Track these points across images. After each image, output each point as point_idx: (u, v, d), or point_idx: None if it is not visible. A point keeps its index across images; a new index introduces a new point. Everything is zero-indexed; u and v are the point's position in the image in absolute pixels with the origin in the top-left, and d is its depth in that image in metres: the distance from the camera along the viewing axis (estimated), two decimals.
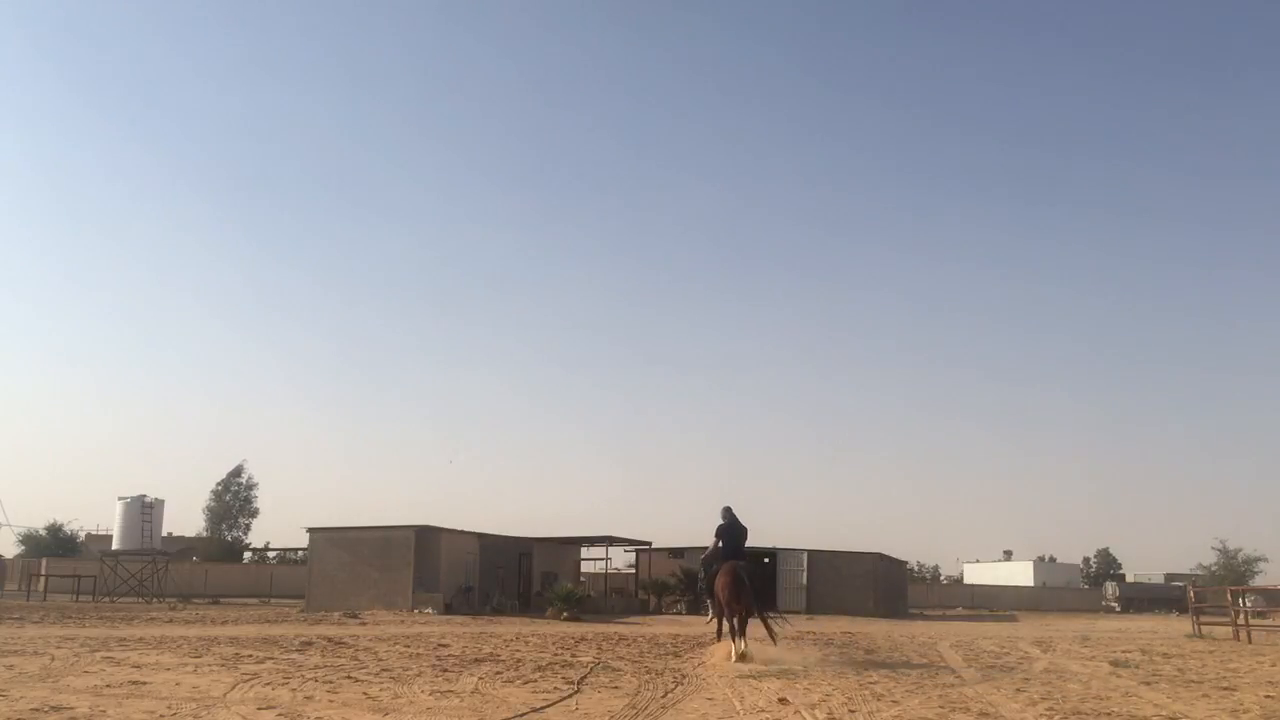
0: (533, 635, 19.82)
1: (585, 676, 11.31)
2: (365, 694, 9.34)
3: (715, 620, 15.55)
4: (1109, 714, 9.00)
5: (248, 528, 65.19)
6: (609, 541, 43.18)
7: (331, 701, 8.81)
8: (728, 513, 15.41)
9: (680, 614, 37.09)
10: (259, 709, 8.29)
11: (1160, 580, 77.61)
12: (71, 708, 8.12)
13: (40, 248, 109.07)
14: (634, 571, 47.69)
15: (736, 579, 13.87)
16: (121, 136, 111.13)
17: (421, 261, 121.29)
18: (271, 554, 64.49)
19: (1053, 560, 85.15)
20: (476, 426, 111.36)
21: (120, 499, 54.66)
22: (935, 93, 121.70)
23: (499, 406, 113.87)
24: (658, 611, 38.47)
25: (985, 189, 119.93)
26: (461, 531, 34.97)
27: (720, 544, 15.10)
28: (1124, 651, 18.07)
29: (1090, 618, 48.55)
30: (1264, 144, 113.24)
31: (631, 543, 44.22)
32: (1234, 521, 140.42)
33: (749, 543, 15.51)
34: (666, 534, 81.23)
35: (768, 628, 14.23)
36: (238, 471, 64.76)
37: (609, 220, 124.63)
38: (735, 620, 13.86)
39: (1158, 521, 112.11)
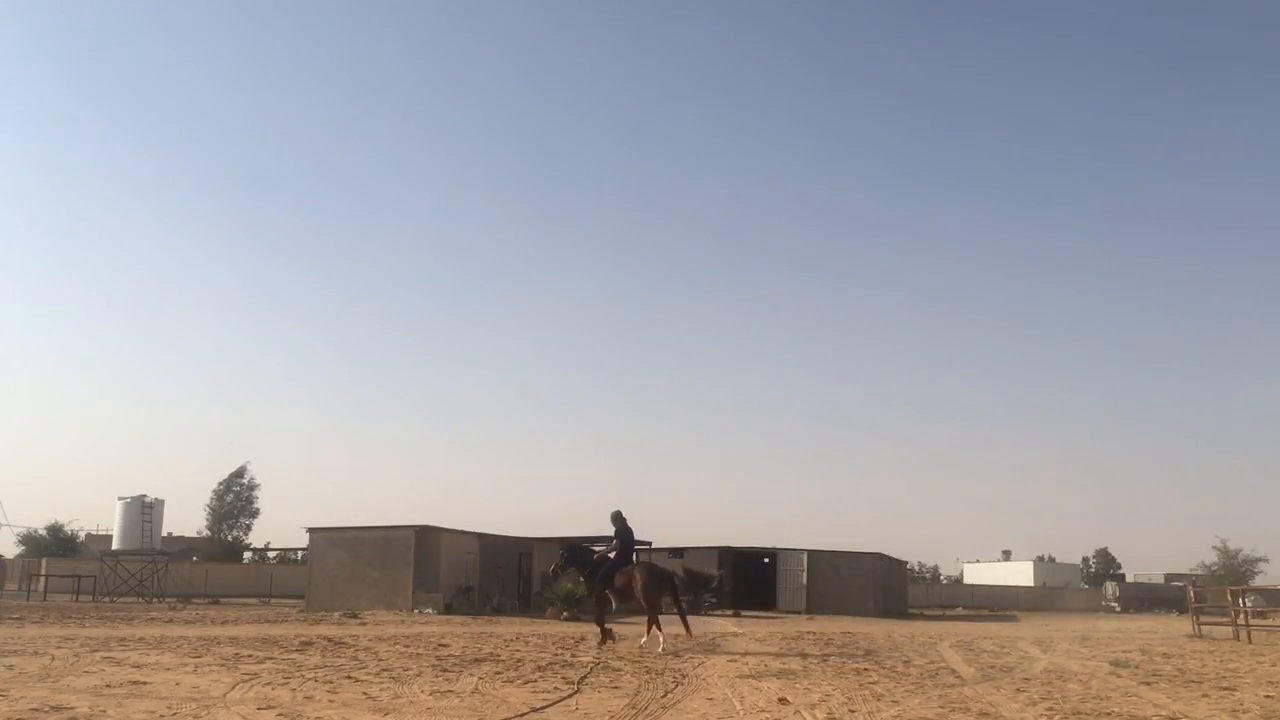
0: (533, 635, 19.81)
1: (585, 676, 11.31)
2: (365, 694, 9.34)
3: (601, 616, 16.81)
4: (1109, 714, 9.00)
5: (248, 528, 65.30)
6: (609, 542, 43.15)
7: (331, 701, 8.81)
8: (621, 518, 17.04)
9: None
10: (259, 709, 8.29)
11: (1160, 580, 77.61)
12: (71, 708, 8.11)
13: (40, 248, 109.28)
14: None
15: (658, 576, 16.14)
16: (121, 136, 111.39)
17: (421, 261, 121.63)
18: (271, 554, 64.55)
19: (1053, 560, 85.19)
20: (476, 426, 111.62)
21: (120, 499, 54.58)
22: (935, 93, 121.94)
23: (499, 406, 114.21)
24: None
25: (985, 189, 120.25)
26: (461, 531, 34.96)
27: (617, 545, 16.86)
28: (1124, 651, 18.06)
29: (1090, 618, 48.54)
30: (1264, 144, 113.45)
31: None
32: (1234, 521, 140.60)
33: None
34: (666, 534, 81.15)
35: (685, 622, 16.88)
36: (240, 472, 64.84)
37: (609, 220, 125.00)
38: (654, 612, 15.74)
39: (1158, 521, 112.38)
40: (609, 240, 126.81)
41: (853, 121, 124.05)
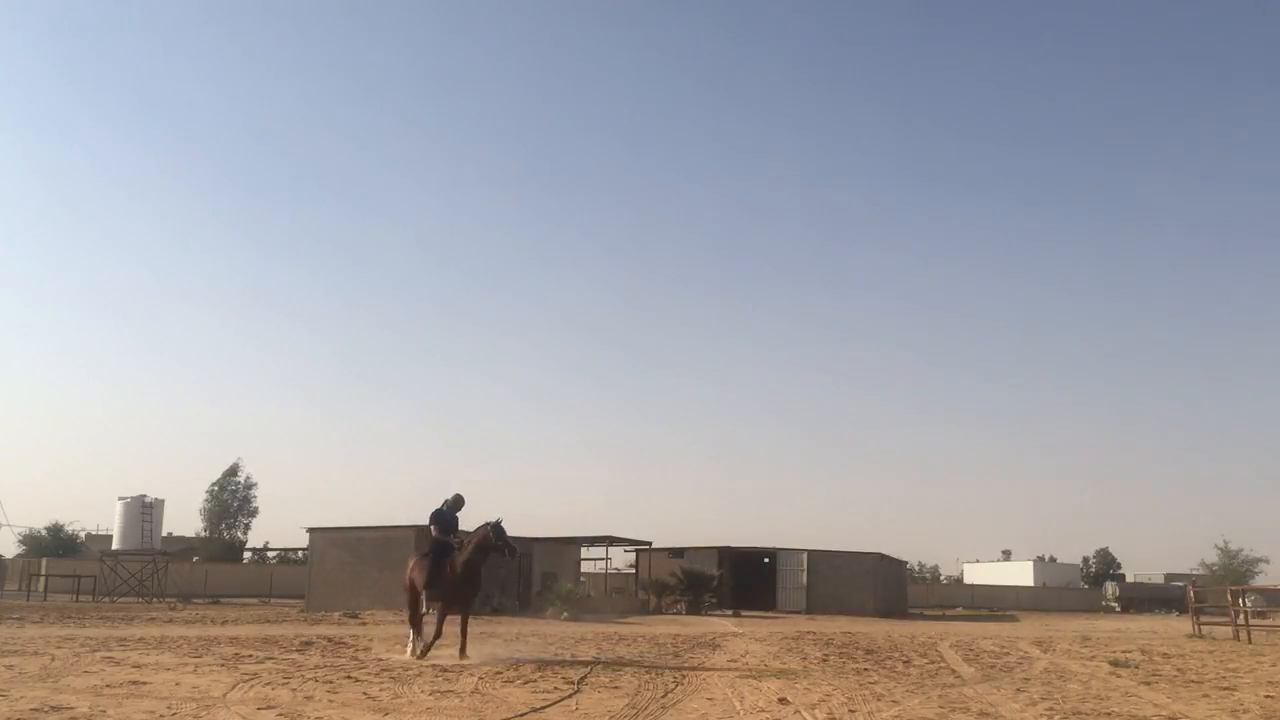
0: (533, 635, 19.82)
1: (585, 676, 11.31)
2: (365, 694, 9.34)
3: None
4: (1109, 714, 9.00)
5: (247, 527, 65.18)
6: (609, 541, 43.19)
7: (331, 701, 8.81)
8: (457, 503, 15.23)
9: (680, 614, 37.10)
10: (259, 709, 8.29)
11: (1160, 580, 77.59)
12: (71, 708, 8.11)
13: (40, 248, 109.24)
14: (634, 571, 47.70)
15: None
16: (121, 136, 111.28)
17: (421, 261, 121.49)
18: (271, 554, 64.46)
19: (1053, 560, 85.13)
20: (476, 427, 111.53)
21: (120, 499, 54.61)
22: (935, 93, 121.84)
23: (499, 407, 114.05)
24: (658, 611, 38.47)
25: (985, 189, 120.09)
26: (462, 532, 34.92)
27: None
28: (1124, 651, 18.06)
29: (1090, 618, 48.53)
30: (1263, 144, 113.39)
31: (631, 543, 44.23)
32: (1234, 521, 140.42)
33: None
34: (666, 534, 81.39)
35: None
36: (234, 470, 64.59)
37: (609, 220, 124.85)
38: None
39: (1158, 521, 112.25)
40: (608, 240, 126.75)
41: (853, 122, 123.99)
